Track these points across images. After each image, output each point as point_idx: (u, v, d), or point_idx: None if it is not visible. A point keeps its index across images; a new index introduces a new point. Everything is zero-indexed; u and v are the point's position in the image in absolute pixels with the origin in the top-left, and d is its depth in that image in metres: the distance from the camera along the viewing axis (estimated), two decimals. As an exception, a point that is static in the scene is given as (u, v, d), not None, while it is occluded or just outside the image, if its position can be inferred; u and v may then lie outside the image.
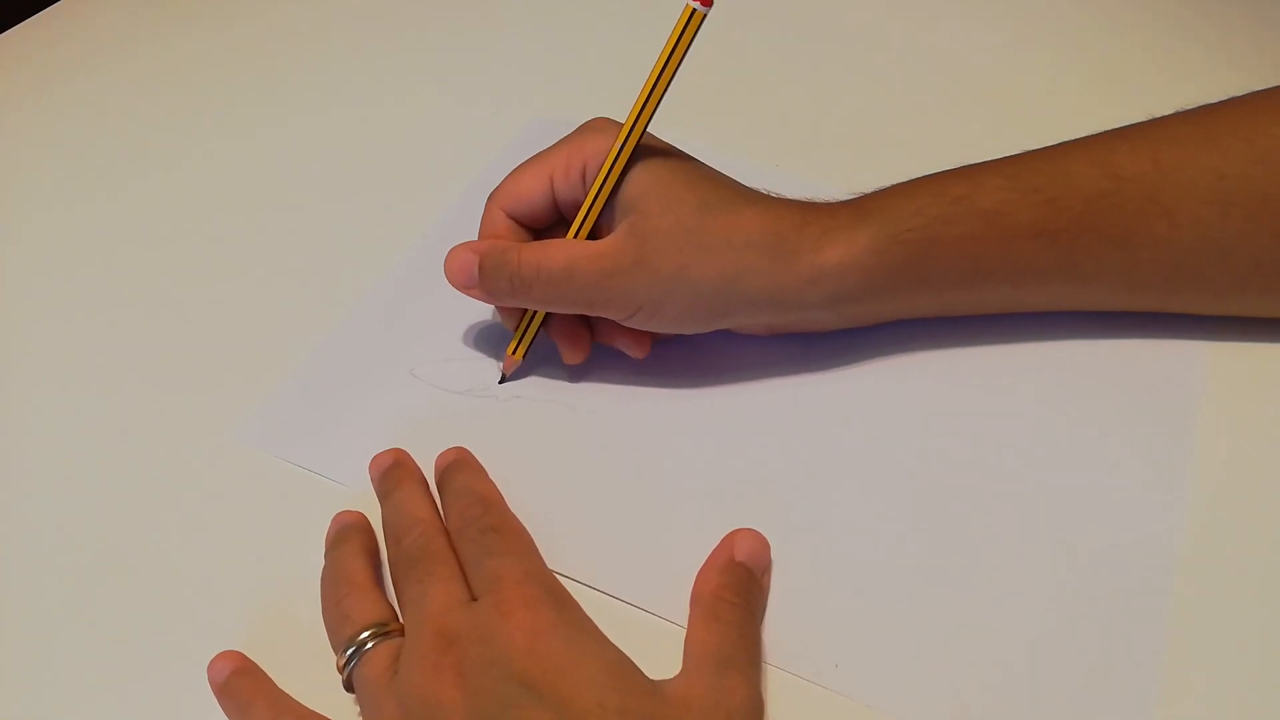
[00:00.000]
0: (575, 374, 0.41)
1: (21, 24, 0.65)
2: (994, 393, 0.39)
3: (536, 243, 0.38)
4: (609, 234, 0.37)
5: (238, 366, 0.43)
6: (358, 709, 0.31)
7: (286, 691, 0.32)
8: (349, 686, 0.32)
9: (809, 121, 0.52)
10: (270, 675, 0.32)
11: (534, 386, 0.41)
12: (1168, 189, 0.37)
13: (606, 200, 0.37)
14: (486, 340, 0.43)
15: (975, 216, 0.37)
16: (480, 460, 0.38)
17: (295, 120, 0.56)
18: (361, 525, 0.36)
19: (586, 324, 0.40)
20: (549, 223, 0.40)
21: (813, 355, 0.41)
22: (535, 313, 0.40)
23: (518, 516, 0.35)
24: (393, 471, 0.37)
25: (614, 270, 0.36)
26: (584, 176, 0.37)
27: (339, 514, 0.36)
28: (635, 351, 0.40)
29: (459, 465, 0.37)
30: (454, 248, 0.38)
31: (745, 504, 0.36)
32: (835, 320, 0.39)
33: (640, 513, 0.36)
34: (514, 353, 0.41)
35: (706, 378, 0.41)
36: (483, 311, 0.44)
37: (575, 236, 0.38)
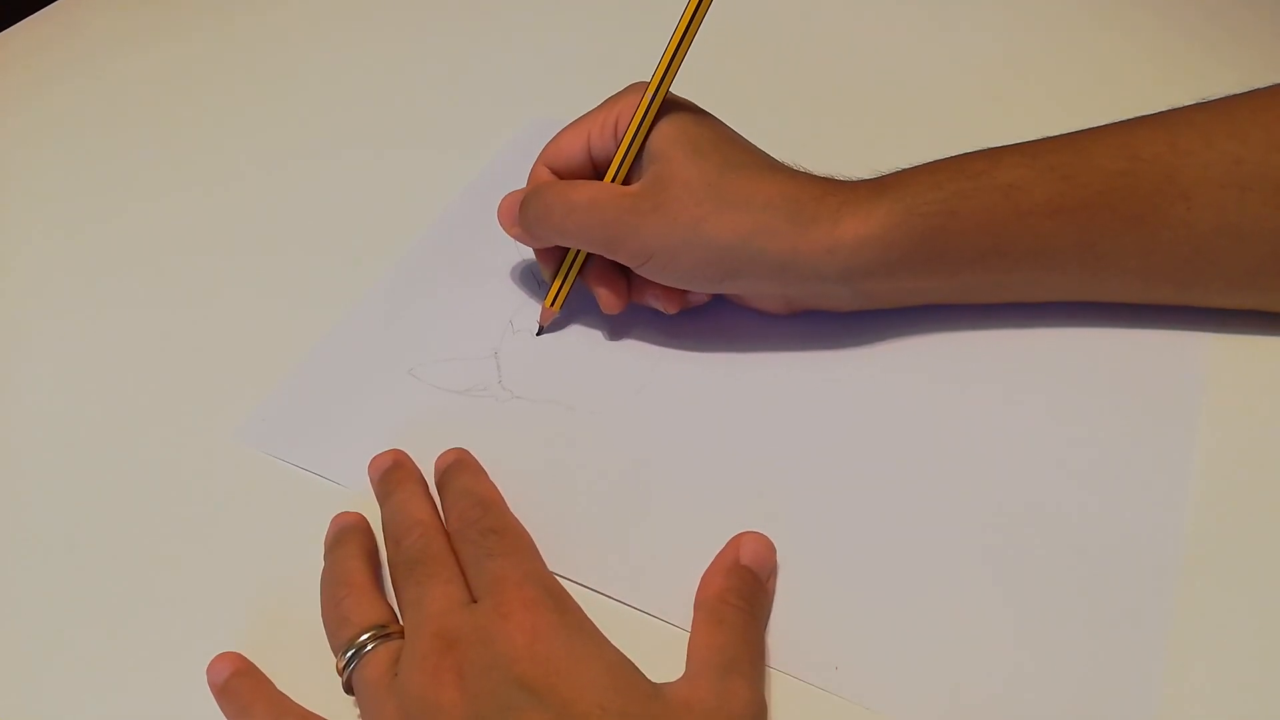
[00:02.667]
0: (575, 374, 0.41)
1: (20, 23, 0.65)
2: (995, 393, 0.39)
3: (569, 180, 0.40)
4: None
5: (236, 367, 0.43)
6: (357, 711, 0.31)
7: (286, 693, 0.32)
8: (349, 688, 0.32)
9: (819, 121, 0.52)
10: (270, 677, 0.32)
11: (534, 387, 0.41)
12: (1185, 171, 0.37)
13: (637, 154, 0.39)
14: (486, 340, 0.43)
15: (992, 191, 0.37)
16: (480, 461, 0.38)
17: (294, 120, 0.56)
18: (360, 526, 0.36)
19: (623, 274, 0.42)
20: (588, 179, 0.41)
21: (814, 349, 0.41)
22: (571, 264, 0.41)
23: (518, 518, 0.35)
24: (392, 473, 0.37)
25: (633, 209, 0.38)
26: (615, 132, 0.39)
27: (338, 515, 0.36)
28: (667, 306, 0.41)
29: (459, 467, 0.37)
30: (507, 194, 0.42)
31: (747, 506, 0.36)
32: (851, 298, 0.40)
33: (642, 515, 0.36)
34: (550, 304, 0.42)
35: (709, 375, 0.41)
36: (482, 311, 0.44)
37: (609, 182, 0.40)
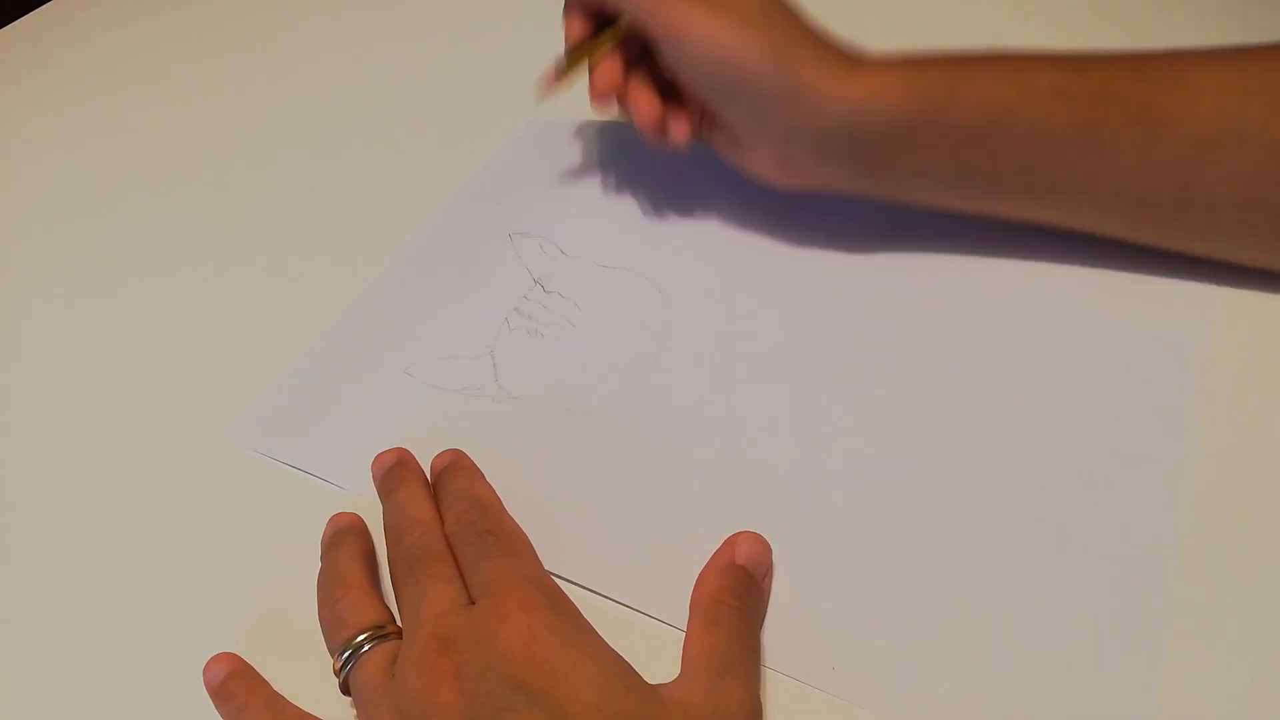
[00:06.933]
0: (571, 374, 0.41)
1: (17, 21, 0.65)
2: (992, 383, 0.39)
3: None
4: None
5: (232, 369, 0.43)
6: (354, 712, 0.31)
7: (282, 694, 0.32)
8: (345, 689, 0.32)
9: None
10: (266, 677, 0.32)
11: (530, 386, 0.41)
12: (1190, 74, 0.38)
13: None
14: (482, 340, 0.43)
15: (999, 69, 0.39)
16: (476, 460, 0.38)
17: (291, 120, 0.56)
18: (357, 527, 0.36)
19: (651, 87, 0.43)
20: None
21: (814, 349, 0.41)
22: (596, 44, 0.43)
23: (515, 518, 0.35)
24: (395, 471, 0.37)
25: None
26: None
27: (334, 516, 0.36)
28: (676, 132, 0.43)
29: (455, 468, 0.37)
30: None
31: (743, 505, 0.36)
32: (851, 164, 0.41)
33: (639, 515, 0.36)
34: (557, 75, 0.43)
35: (705, 375, 0.40)
36: (478, 311, 0.44)
37: None
